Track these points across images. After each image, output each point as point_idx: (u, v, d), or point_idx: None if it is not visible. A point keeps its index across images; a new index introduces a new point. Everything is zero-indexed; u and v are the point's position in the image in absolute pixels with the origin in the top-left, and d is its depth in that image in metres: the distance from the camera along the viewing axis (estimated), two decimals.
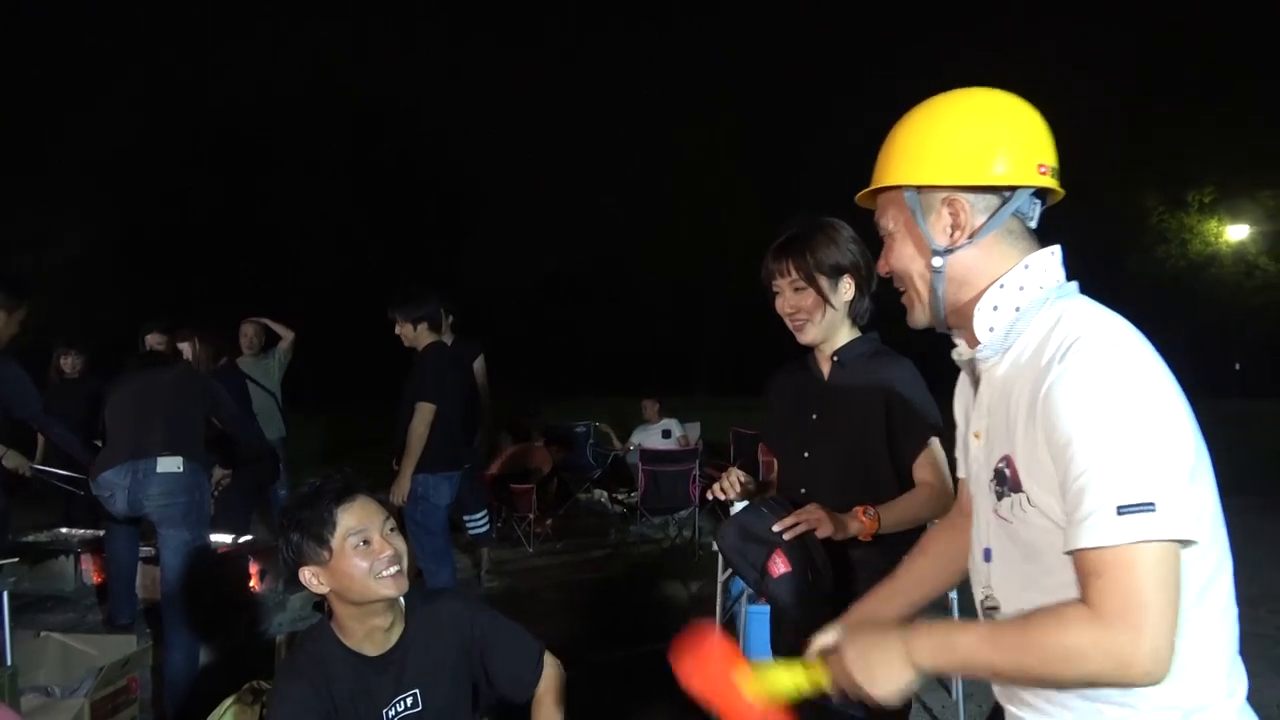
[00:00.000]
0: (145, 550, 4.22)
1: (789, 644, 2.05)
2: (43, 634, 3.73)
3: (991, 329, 1.18)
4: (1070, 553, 1.02)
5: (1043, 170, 1.19)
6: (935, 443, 2.00)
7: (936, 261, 1.21)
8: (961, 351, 1.27)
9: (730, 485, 2.03)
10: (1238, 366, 25.19)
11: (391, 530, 1.75)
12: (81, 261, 18.85)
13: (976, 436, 1.24)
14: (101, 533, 4.35)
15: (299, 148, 24.64)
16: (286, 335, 6.37)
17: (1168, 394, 1.05)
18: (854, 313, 2.09)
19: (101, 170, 20.77)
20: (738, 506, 2.07)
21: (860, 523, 1.88)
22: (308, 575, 1.71)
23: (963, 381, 1.36)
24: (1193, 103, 24.66)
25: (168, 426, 3.75)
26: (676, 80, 28.75)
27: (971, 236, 1.19)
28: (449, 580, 4.42)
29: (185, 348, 4.95)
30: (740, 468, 2.16)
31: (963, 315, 1.23)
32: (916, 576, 1.51)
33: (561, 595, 5.76)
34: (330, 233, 24.91)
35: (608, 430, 8.94)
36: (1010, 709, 1.24)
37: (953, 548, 1.47)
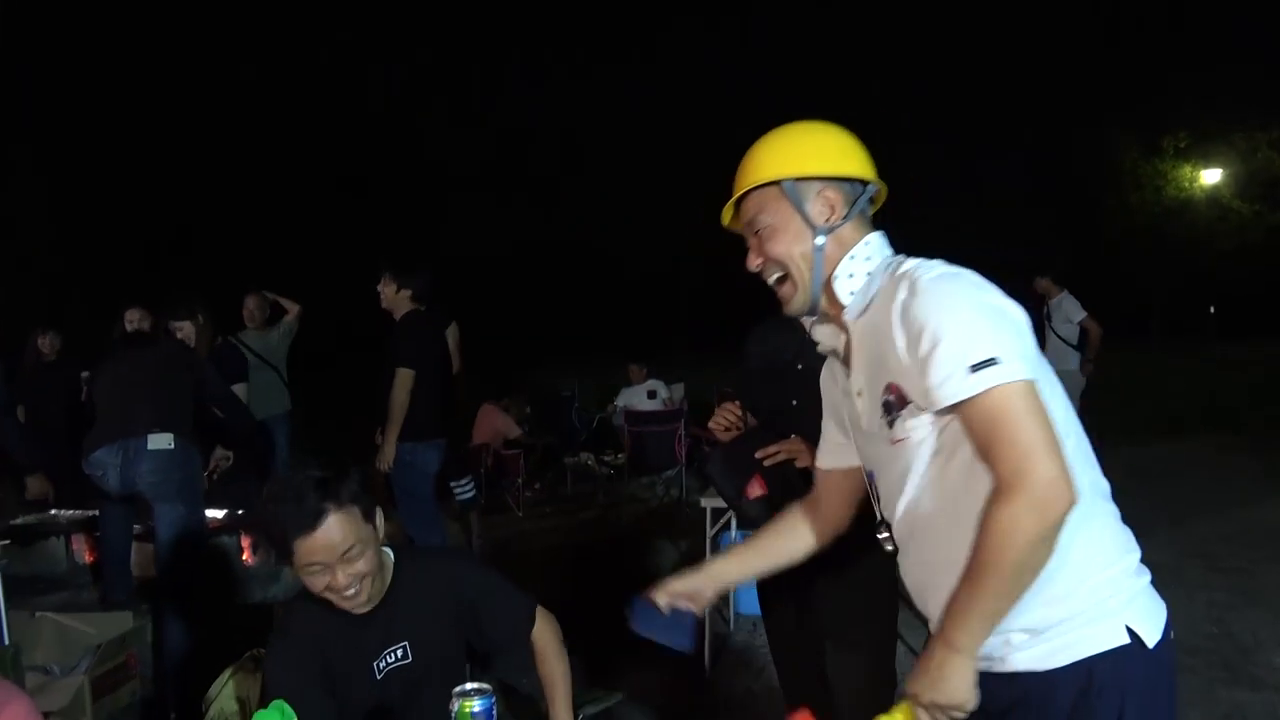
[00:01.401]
0: (137, 528, 4.22)
1: (771, 588, 2.18)
2: (38, 614, 3.74)
3: (852, 292, 1.40)
4: (938, 413, 1.25)
5: (876, 175, 1.48)
6: None
7: (819, 240, 1.42)
8: (824, 337, 1.49)
9: (725, 418, 2.15)
10: (1212, 310, 25.50)
11: (357, 555, 1.69)
12: (49, 247, 18.52)
13: (859, 395, 1.42)
14: (91, 513, 4.35)
15: (266, 119, 24.20)
16: (293, 308, 6.23)
17: (995, 291, 1.29)
18: None
19: (59, 153, 20.33)
20: None
21: None
22: (290, 572, 1.77)
23: (827, 375, 1.60)
24: (1165, 46, 24.66)
25: (156, 404, 3.74)
26: (647, 49, 28.38)
27: (845, 217, 1.43)
28: (441, 543, 4.45)
29: (185, 325, 4.91)
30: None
31: (829, 291, 1.43)
32: (764, 551, 1.77)
33: (552, 558, 5.83)
34: (304, 204, 24.57)
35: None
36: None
37: (805, 534, 1.70)
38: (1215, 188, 24.29)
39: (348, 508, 1.68)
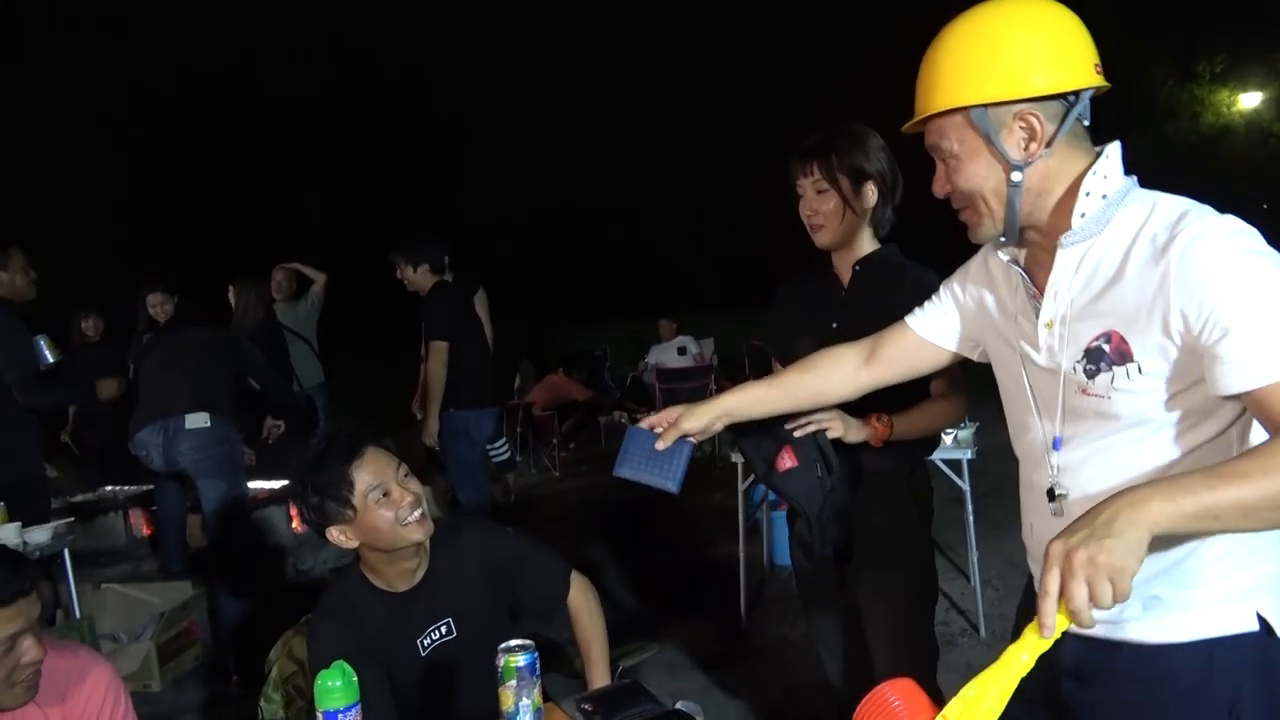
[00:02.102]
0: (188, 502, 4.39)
1: (801, 542, 2.12)
2: (103, 586, 3.93)
3: (1084, 215, 1.20)
4: (1243, 394, 1.07)
5: (1098, 69, 1.22)
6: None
7: (1015, 176, 1.22)
8: (1006, 250, 1.32)
9: None
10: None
11: (406, 476, 1.78)
12: (81, 225, 18.81)
13: (1049, 326, 1.25)
14: (146, 487, 4.53)
15: (282, 87, 24.19)
16: (319, 278, 6.28)
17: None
18: (876, 220, 2.04)
19: (94, 129, 20.56)
20: None
21: (873, 428, 1.89)
22: (335, 534, 1.75)
23: (999, 278, 1.40)
24: None
25: (193, 384, 3.87)
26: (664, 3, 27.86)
27: (1048, 146, 1.21)
28: (481, 500, 4.57)
29: (232, 297, 5.00)
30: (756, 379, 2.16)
31: (1040, 219, 1.25)
32: (789, 387, 1.66)
33: (589, 515, 5.95)
34: (323, 170, 24.62)
35: None
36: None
37: (846, 376, 1.60)
38: (1255, 111, 23.54)
39: (380, 446, 1.79)
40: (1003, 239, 1.29)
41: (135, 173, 21.42)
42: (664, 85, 28.02)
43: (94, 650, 1.90)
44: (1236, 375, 1.06)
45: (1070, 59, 1.20)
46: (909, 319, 1.59)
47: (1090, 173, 1.20)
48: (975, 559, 3.80)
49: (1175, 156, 25.02)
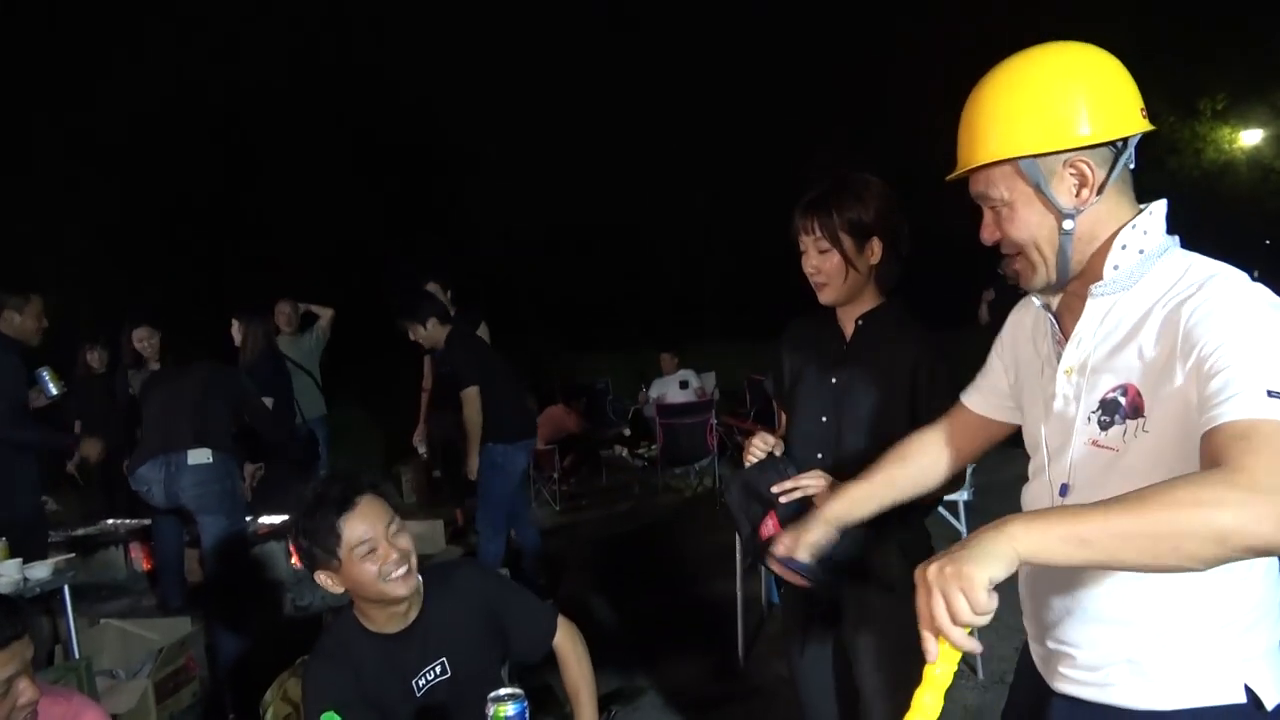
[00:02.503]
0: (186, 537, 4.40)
1: (793, 590, 2.02)
2: (101, 621, 3.94)
3: (1116, 267, 1.20)
4: (1207, 432, 1.03)
5: (1144, 113, 1.22)
6: None
7: (1068, 224, 1.21)
8: (1040, 294, 1.31)
9: (759, 449, 1.96)
10: (1255, 274, 24.79)
11: (396, 532, 1.79)
12: (87, 255, 18.97)
13: (1069, 373, 1.25)
14: (147, 521, 4.55)
15: (291, 118, 24.46)
16: (325, 313, 6.34)
17: None
18: (880, 276, 1.97)
19: (99, 162, 20.79)
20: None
21: None
22: (323, 578, 1.78)
23: (1027, 322, 1.42)
24: (1198, 10, 23.99)
25: (195, 420, 3.92)
26: (669, 26, 28.18)
27: (1099, 193, 1.20)
28: (498, 552, 4.57)
29: (236, 332, 5.06)
30: (756, 415, 2.11)
31: (1084, 268, 1.25)
32: (890, 480, 1.61)
33: (590, 551, 5.94)
34: (330, 200, 24.81)
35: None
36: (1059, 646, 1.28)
37: (935, 461, 1.57)
38: (1256, 148, 23.68)
39: (377, 494, 1.81)
40: (1052, 286, 1.29)
41: (142, 204, 21.60)
42: (669, 117, 28.29)
43: (87, 697, 1.93)
44: (1204, 415, 1.05)
45: (1117, 105, 1.20)
46: (964, 398, 1.56)
47: (1129, 226, 1.20)
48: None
49: (1180, 192, 25.10)
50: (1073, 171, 1.20)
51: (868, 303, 1.99)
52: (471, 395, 4.30)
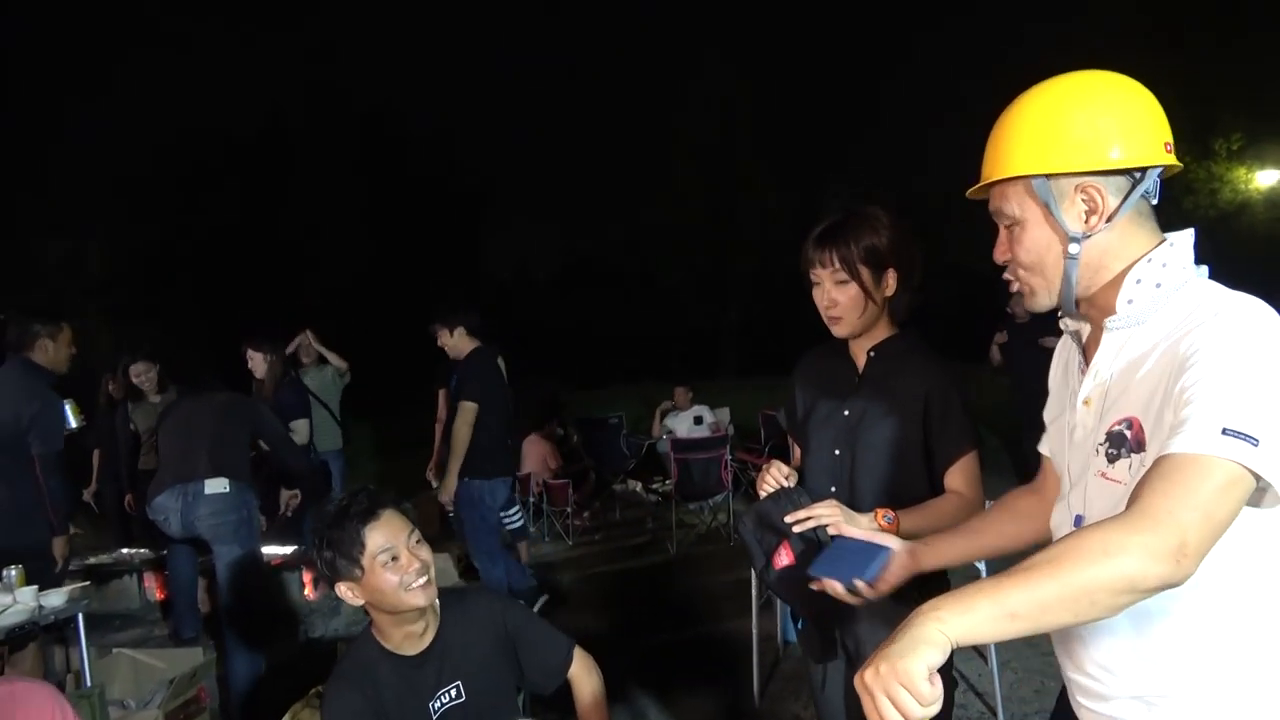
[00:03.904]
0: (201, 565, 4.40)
1: (810, 623, 2.01)
2: (114, 650, 3.93)
3: (1131, 301, 1.20)
4: (1158, 459, 1.04)
5: (1168, 148, 1.22)
6: (974, 455, 1.91)
7: (1073, 248, 1.22)
8: (1069, 322, 1.32)
9: (773, 480, 1.93)
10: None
11: (418, 542, 1.84)
12: (110, 282, 19.21)
13: (1086, 403, 1.26)
14: (162, 551, 4.56)
15: (309, 153, 24.83)
16: (340, 365, 6.40)
17: None
18: (893, 308, 1.96)
19: (123, 193, 21.12)
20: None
21: (877, 525, 1.78)
22: (343, 590, 1.82)
23: (1061, 354, 1.42)
24: (1213, 47, 24.12)
25: (212, 450, 3.94)
26: (689, 60, 28.50)
27: (1108, 220, 1.21)
28: (502, 578, 4.55)
29: (257, 356, 5.12)
30: (771, 450, 2.09)
31: (1093, 297, 1.25)
32: (990, 526, 1.58)
33: (603, 585, 5.90)
34: (347, 233, 25.07)
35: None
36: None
37: (1035, 510, 1.51)
38: (1272, 189, 23.64)
39: (398, 509, 1.85)
40: (1059, 311, 1.30)
41: (165, 233, 21.90)
42: (685, 152, 28.56)
43: (26, 677, 1.94)
44: (1184, 433, 1.03)
45: (1136, 135, 1.20)
46: (1040, 447, 1.50)
47: (1145, 260, 1.20)
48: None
49: (1197, 230, 25.06)
50: (1084, 196, 1.21)
51: (880, 334, 1.99)
52: (468, 409, 4.28)
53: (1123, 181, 1.21)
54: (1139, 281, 1.19)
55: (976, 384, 1.93)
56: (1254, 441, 0.99)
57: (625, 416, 9.85)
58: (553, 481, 7.22)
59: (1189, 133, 24.19)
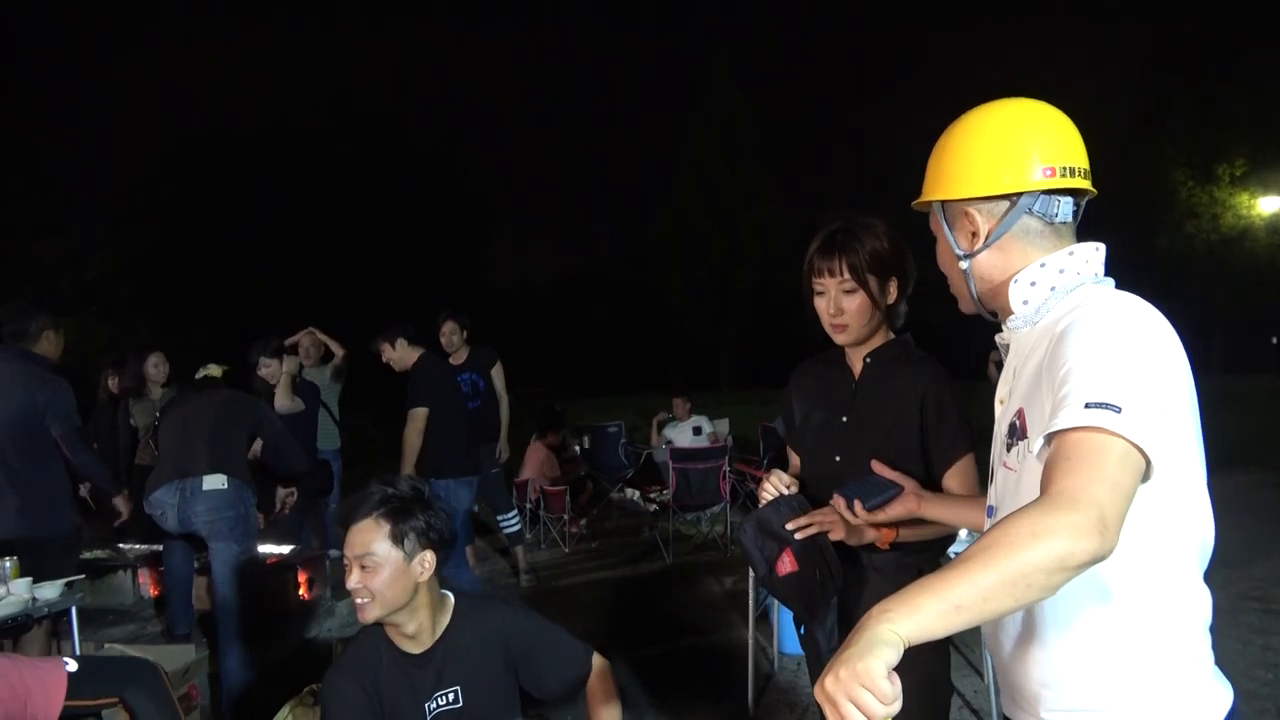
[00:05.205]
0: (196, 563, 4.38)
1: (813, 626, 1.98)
2: (106, 646, 3.91)
3: (1025, 302, 1.32)
4: (1045, 448, 1.10)
5: (1048, 173, 1.30)
6: (971, 458, 1.92)
7: (964, 264, 1.38)
8: (1000, 335, 1.42)
9: (774, 488, 1.93)
10: (1275, 340, 24.74)
11: (370, 567, 1.79)
12: (110, 280, 19.23)
13: (1001, 402, 1.37)
14: (157, 547, 4.54)
15: (314, 160, 24.91)
16: (339, 351, 6.42)
17: (1163, 346, 1.15)
18: (892, 315, 1.99)
19: (125, 191, 21.18)
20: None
21: (878, 531, 1.80)
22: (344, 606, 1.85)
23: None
24: (1216, 74, 24.24)
25: (211, 447, 3.93)
26: (690, 75, 28.66)
27: (986, 241, 1.34)
28: (470, 583, 4.54)
29: (272, 363, 5.19)
30: (770, 462, 2.10)
31: (999, 303, 1.37)
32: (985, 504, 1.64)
33: (599, 593, 5.88)
34: (350, 243, 25.13)
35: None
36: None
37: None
38: (1275, 215, 23.69)
39: (381, 523, 1.81)
40: (991, 316, 1.42)
41: (166, 234, 21.94)
42: (688, 166, 28.64)
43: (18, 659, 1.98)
44: (1058, 415, 1.08)
45: (1008, 163, 1.31)
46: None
47: (1036, 264, 1.31)
48: (989, 655, 3.72)
49: (1198, 255, 25.16)
50: (967, 220, 1.35)
51: (877, 341, 2.00)
52: (417, 414, 4.37)
53: (1001, 205, 1.32)
54: (1033, 284, 1.31)
55: (974, 401, 1.93)
56: (1116, 409, 1.05)
57: (624, 426, 9.84)
58: (550, 488, 7.20)
59: (1192, 157, 24.34)
